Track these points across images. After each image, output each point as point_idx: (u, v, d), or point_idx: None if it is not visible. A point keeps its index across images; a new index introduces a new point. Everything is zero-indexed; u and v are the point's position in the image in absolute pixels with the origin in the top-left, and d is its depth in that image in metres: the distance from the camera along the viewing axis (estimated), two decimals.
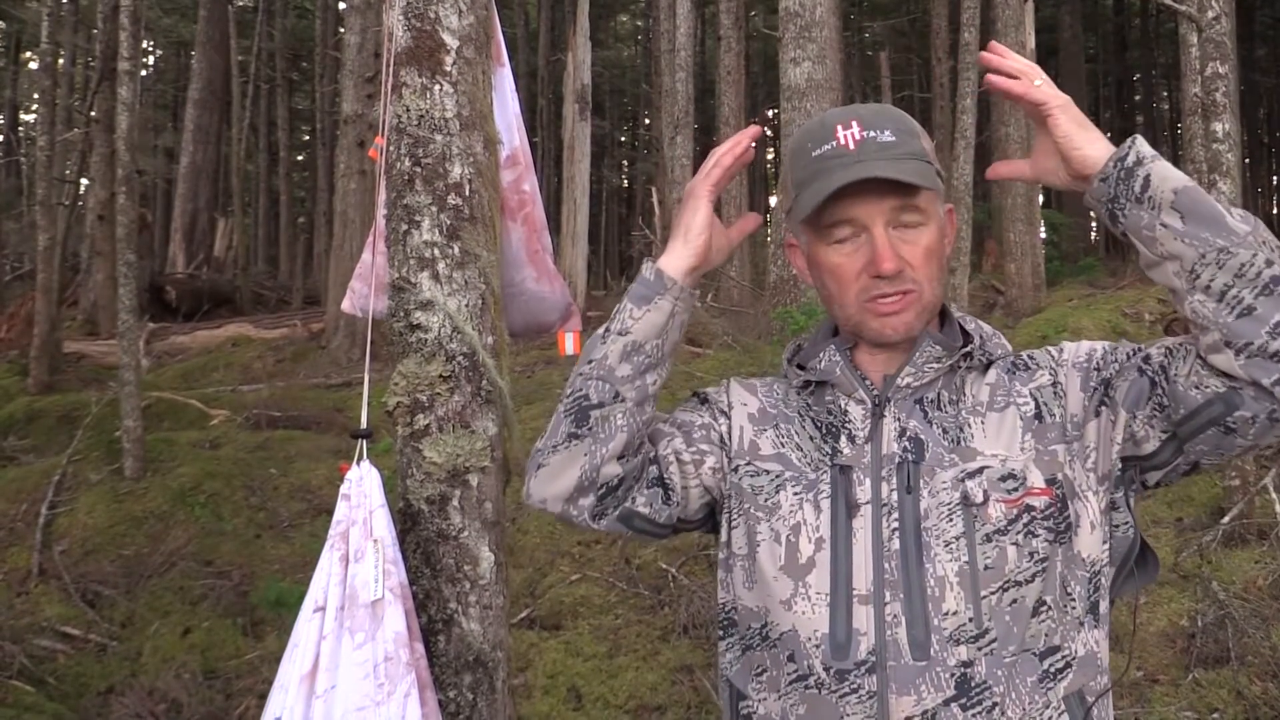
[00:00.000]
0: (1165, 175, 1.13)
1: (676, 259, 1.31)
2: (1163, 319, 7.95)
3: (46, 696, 4.04)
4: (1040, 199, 13.96)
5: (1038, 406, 1.26)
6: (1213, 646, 3.83)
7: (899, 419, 1.27)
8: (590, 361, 1.30)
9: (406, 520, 1.84)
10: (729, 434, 1.37)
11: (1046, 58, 21.85)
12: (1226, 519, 4.74)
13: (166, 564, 5.09)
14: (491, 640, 1.84)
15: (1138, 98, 32.04)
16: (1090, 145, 1.17)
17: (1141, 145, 1.16)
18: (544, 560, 5.09)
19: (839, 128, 1.26)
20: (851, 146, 1.24)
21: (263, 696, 1.61)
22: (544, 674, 4.07)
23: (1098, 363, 1.26)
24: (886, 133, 1.25)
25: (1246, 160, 25.52)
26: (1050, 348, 1.33)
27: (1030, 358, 1.32)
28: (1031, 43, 12.39)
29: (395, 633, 1.62)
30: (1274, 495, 4.89)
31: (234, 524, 5.63)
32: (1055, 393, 1.27)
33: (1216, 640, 3.84)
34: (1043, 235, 13.49)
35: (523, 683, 4.03)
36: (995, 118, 14.03)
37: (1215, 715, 3.53)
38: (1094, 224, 28.09)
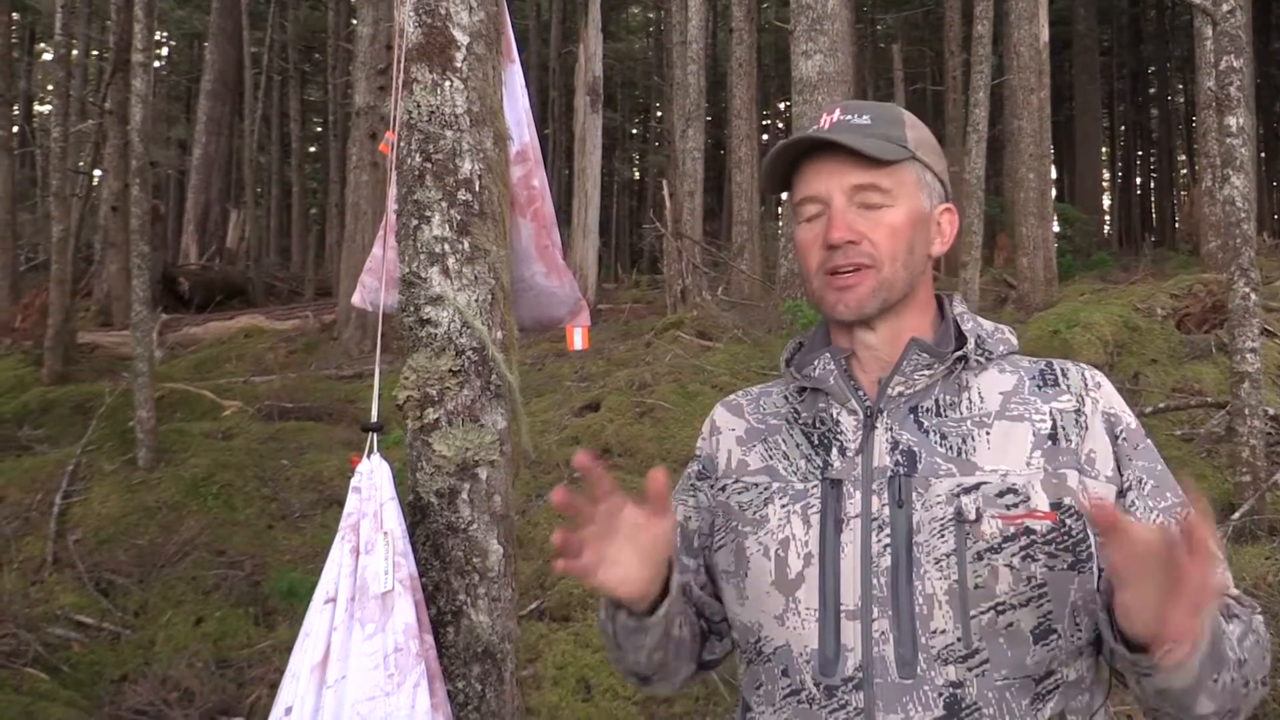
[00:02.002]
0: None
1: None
2: (1174, 314, 7.91)
3: (60, 684, 4.07)
4: (1053, 193, 13.91)
5: (1054, 427, 1.21)
6: None
7: (891, 430, 1.24)
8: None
9: (416, 513, 1.85)
10: (715, 463, 1.38)
11: (1060, 50, 21.75)
12: (1237, 515, 4.72)
13: (179, 554, 5.13)
14: (500, 632, 1.86)
15: (1152, 91, 31.85)
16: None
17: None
18: (554, 552, 5.11)
19: (824, 115, 1.29)
20: (826, 127, 1.27)
21: (274, 685, 1.63)
22: (553, 665, 4.09)
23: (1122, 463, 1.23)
24: (865, 117, 1.27)
25: (1262, 154, 25.34)
26: (1087, 371, 1.27)
27: (1063, 373, 1.26)
28: (1045, 35, 12.31)
29: (405, 624, 1.64)
30: None
31: (246, 514, 5.67)
32: (1077, 421, 1.22)
33: None
34: (1055, 230, 13.44)
35: (532, 674, 4.05)
36: (1008, 111, 13.98)
37: None
38: (1107, 219, 27.97)
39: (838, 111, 1.28)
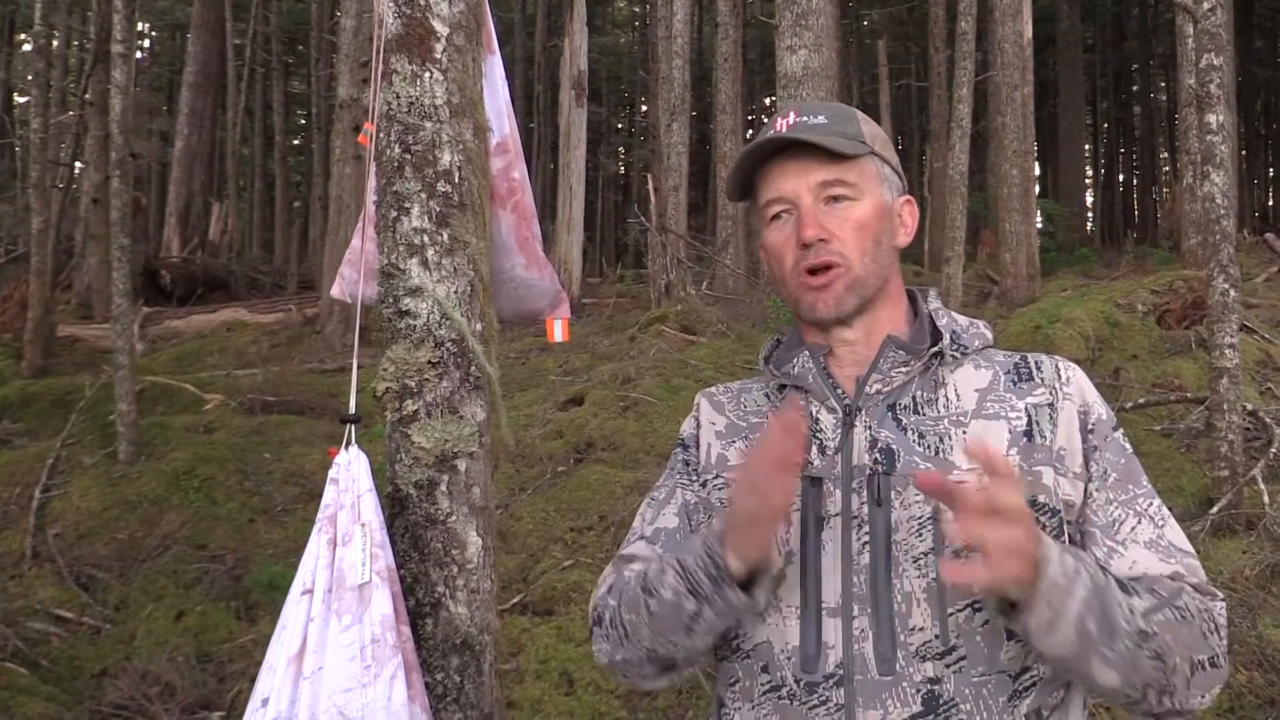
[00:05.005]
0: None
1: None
2: (1155, 310, 7.97)
3: (40, 679, 4.05)
4: (1036, 189, 13.98)
5: (1030, 423, 1.23)
6: None
7: (870, 428, 1.24)
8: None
9: (395, 505, 1.85)
10: (698, 456, 1.38)
11: (1044, 47, 21.85)
12: (1215, 509, 4.76)
13: (160, 548, 5.10)
14: (479, 624, 1.86)
15: (1135, 88, 32.02)
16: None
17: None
18: (537, 546, 5.11)
19: (779, 120, 1.30)
20: (784, 130, 1.28)
21: (255, 680, 1.62)
22: (536, 659, 4.09)
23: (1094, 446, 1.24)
24: (820, 117, 1.28)
25: (1243, 152, 25.52)
26: (1061, 364, 1.28)
27: (1037, 366, 1.27)
28: (1029, 32, 12.36)
29: (382, 615, 1.64)
30: (1262, 486, 4.91)
31: (228, 508, 5.64)
32: (1050, 415, 1.23)
33: None
34: (1038, 225, 13.51)
35: (515, 667, 4.05)
36: (992, 107, 14.03)
37: None
38: (1089, 215, 28.13)
39: (792, 115, 1.29)
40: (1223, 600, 1.19)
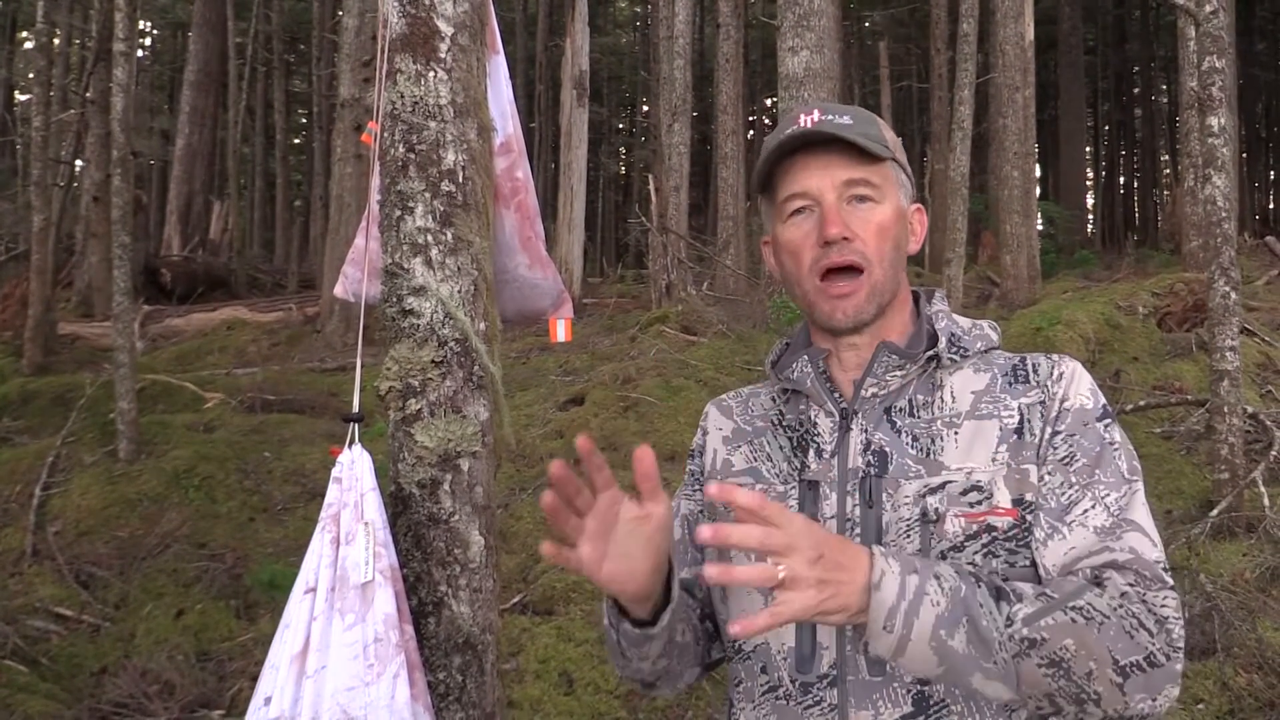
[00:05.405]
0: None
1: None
2: (1156, 312, 7.97)
3: (40, 677, 4.05)
4: (1037, 191, 13.98)
5: (1021, 421, 1.21)
6: (1199, 638, 3.85)
7: (865, 431, 1.24)
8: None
9: (398, 504, 1.85)
10: (703, 464, 1.39)
11: (1045, 49, 21.85)
12: (1215, 512, 4.76)
13: (160, 546, 5.10)
14: (481, 623, 1.86)
15: (1136, 90, 32.02)
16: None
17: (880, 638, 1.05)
18: (537, 546, 5.11)
19: (802, 115, 1.28)
20: (809, 126, 1.26)
21: (255, 678, 1.62)
22: (536, 659, 4.10)
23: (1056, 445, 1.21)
24: (845, 117, 1.26)
25: (1244, 155, 25.52)
26: (1058, 362, 1.26)
27: (1034, 368, 1.25)
28: (1030, 34, 12.37)
29: (385, 614, 1.64)
30: (1263, 489, 4.92)
31: (228, 507, 5.64)
32: (1041, 413, 1.21)
33: (1203, 632, 3.86)
34: (1039, 227, 13.52)
35: (515, 667, 4.05)
36: (993, 109, 14.04)
37: (1200, 706, 3.57)
38: (1090, 217, 28.14)
39: (816, 112, 1.27)
40: (1171, 589, 1.12)
